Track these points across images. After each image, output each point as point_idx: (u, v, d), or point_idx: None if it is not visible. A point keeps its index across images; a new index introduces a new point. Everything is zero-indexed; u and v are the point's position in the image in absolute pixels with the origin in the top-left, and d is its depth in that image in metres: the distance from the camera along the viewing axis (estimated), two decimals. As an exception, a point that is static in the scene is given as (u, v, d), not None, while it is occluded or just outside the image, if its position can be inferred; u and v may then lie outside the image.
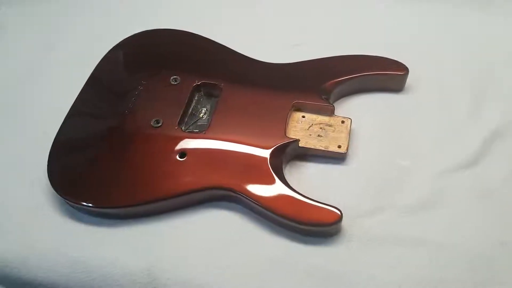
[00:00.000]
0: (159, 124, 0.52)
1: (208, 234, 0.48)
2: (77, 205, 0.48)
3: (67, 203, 0.49)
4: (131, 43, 0.61)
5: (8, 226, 0.49)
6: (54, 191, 0.48)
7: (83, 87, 0.56)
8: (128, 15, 0.69)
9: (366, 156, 0.51)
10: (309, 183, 0.50)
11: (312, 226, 0.45)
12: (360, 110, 0.55)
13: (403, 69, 0.54)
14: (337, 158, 0.51)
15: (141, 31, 0.62)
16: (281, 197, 0.46)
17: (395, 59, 0.55)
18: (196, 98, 0.55)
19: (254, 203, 0.46)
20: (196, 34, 0.60)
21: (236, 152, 0.49)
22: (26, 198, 0.51)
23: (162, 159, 0.49)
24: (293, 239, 0.47)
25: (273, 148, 0.49)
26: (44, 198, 0.51)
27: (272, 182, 0.47)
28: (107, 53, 0.60)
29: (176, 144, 0.50)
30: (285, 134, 0.50)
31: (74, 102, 0.55)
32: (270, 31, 0.65)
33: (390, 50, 0.56)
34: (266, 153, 0.48)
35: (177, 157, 0.49)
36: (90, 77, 0.57)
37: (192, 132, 0.52)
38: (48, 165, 0.50)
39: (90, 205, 0.48)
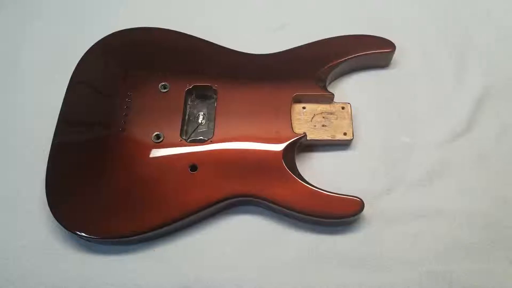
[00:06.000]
0: (161, 139, 0.49)
1: (233, 242, 0.48)
2: (89, 239, 0.46)
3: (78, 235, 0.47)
4: (108, 45, 0.56)
5: (17, 265, 0.47)
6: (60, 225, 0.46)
7: (63, 103, 0.52)
8: (93, 14, 0.63)
9: (369, 138, 0.53)
10: (320, 173, 0.51)
11: (337, 218, 0.47)
12: (353, 91, 0.56)
13: (391, 46, 0.55)
14: (344, 144, 0.52)
15: (116, 31, 0.56)
16: (302, 195, 0.47)
17: (379, 34, 0.56)
18: (189, 103, 0.53)
19: (277, 205, 0.47)
20: (174, 30, 0.57)
21: (247, 156, 0.49)
22: (30, 233, 0.48)
23: (173, 177, 0.48)
24: (317, 231, 0.48)
25: (284, 147, 0.49)
26: (48, 231, 0.48)
27: (290, 180, 0.47)
28: (82, 58, 0.55)
29: (185, 157, 0.48)
30: (292, 130, 0.50)
31: (58, 122, 0.51)
32: (250, 14, 0.62)
33: (373, 24, 0.57)
34: (278, 153, 0.48)
35: (189, 171, 0.48)
36: (69, 87, 0.53)
37: (197, 141, 0.50)
38: (48, 199, 0.47)
39: (104, 237, 0.46)
